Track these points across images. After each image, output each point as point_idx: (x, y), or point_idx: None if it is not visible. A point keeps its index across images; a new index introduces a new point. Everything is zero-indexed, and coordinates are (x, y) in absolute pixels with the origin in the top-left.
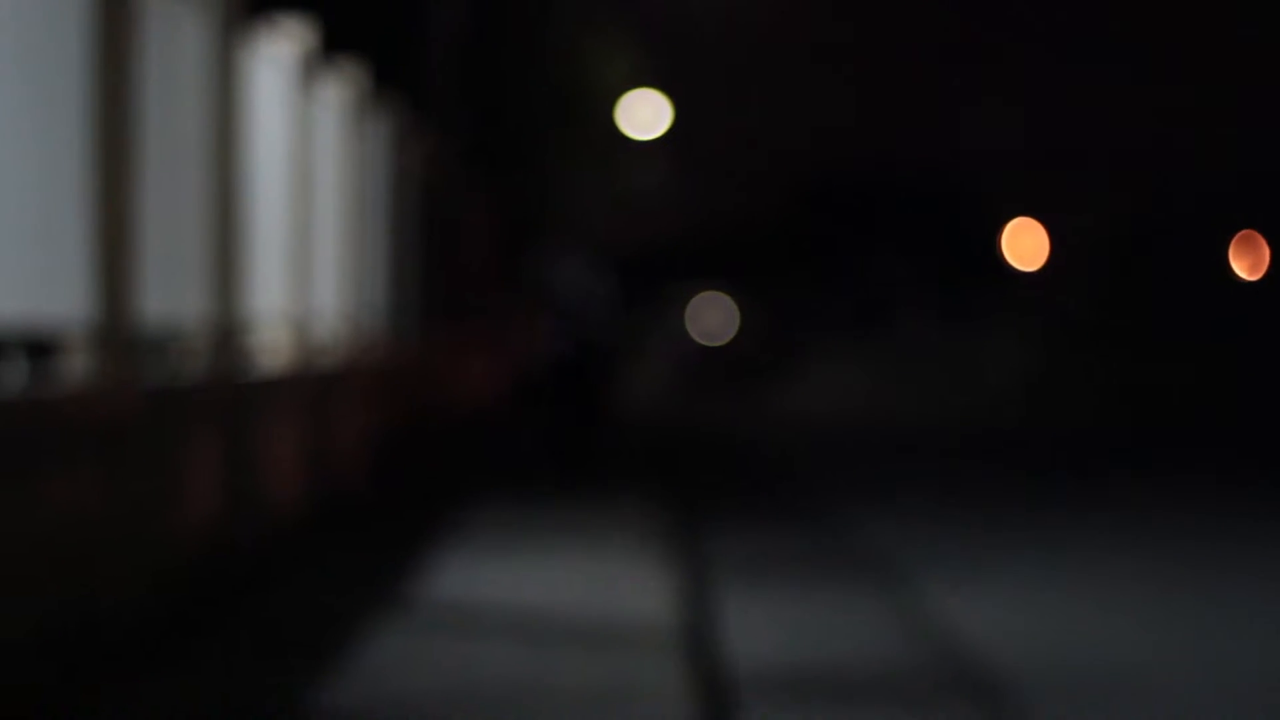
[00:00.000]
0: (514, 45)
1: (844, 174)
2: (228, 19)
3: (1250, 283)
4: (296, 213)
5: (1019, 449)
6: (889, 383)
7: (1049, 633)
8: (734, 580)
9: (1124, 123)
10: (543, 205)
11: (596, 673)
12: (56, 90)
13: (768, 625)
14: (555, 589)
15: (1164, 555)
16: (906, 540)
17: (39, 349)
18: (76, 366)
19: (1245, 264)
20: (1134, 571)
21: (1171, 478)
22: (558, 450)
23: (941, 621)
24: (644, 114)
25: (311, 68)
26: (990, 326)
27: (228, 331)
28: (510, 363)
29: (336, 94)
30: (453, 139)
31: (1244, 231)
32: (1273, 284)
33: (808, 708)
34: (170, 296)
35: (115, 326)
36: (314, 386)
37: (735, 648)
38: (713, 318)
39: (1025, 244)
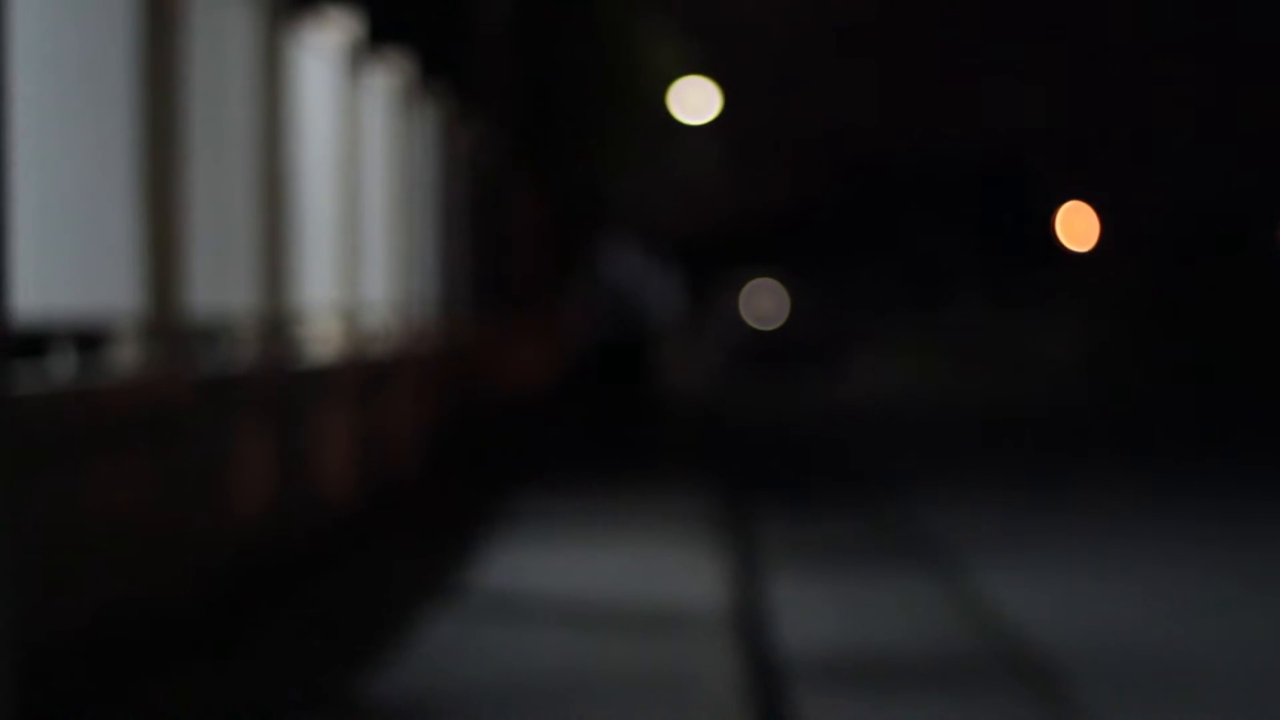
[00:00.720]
0: (561, 31)
1: (895, 158)
2: (274, 10)
3: None
4: (345, 202)
5: (1073, 432)
6: (942, 366)
7: (1102, 619)
8: (785, 565)
9: (1172, 105)
10: (593, 192)
11: (648, 659)
12: (104, 81)
13: (819, 610)
14: (606, 576)
15: (1221, 541)
16: (958, 524)
17: (88, 340)
18: (126, 357)
19: None
20: (1189, 557)
21: (1226, 460)
22: (604, 436)
23: (994, 607)
24: (695, 99)
25: (358, 58)
26: (1045, 309)
27: (277, 321)
28: (561, 351)
29: (383, 84)
30: (501, 127)
31: None
32: None
33: (859, 693)
34: (219, 286)
35: (164, 317)
36: (364, 376)
37: (786, 633)
38: (765, 303)
39: (1078, 226)
